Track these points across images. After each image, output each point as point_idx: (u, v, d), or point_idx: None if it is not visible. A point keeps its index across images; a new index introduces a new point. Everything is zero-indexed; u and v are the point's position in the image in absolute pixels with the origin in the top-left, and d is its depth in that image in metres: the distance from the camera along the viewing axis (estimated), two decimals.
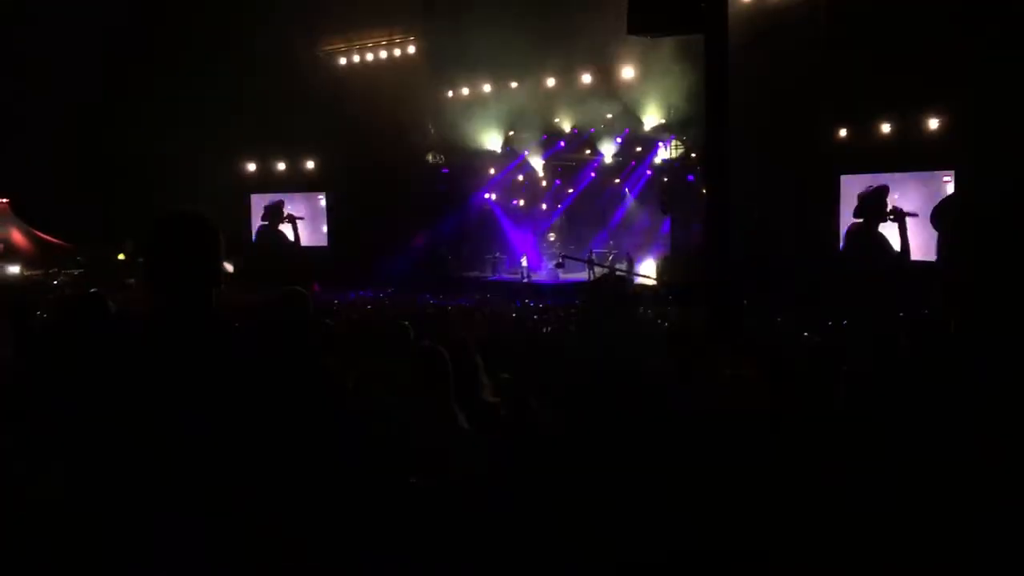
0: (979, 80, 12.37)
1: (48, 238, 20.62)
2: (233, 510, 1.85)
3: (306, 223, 17.64)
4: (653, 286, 15.81)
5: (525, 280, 18.96)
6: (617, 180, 20.73)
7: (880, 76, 13.54)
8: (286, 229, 16.08)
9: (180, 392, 1.94)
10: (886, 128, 14.57)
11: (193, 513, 1.85)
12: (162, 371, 1.99)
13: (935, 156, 13.79)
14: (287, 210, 16.33)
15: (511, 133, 20.20)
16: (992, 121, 12.45)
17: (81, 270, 18.70)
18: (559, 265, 18.45)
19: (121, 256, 18.42)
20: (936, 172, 13.79)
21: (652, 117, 17.92)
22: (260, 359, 2.08)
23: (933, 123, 14.02)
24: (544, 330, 7.89)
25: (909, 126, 14.32)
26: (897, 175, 13.58)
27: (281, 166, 21.44)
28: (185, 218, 2.15)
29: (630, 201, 20.80)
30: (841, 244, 14.43)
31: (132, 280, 15.80)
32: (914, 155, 13.97)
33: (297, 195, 19.90)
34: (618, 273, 15.78)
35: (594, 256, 18.01)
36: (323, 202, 21.06)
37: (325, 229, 20.99)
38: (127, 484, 1.82)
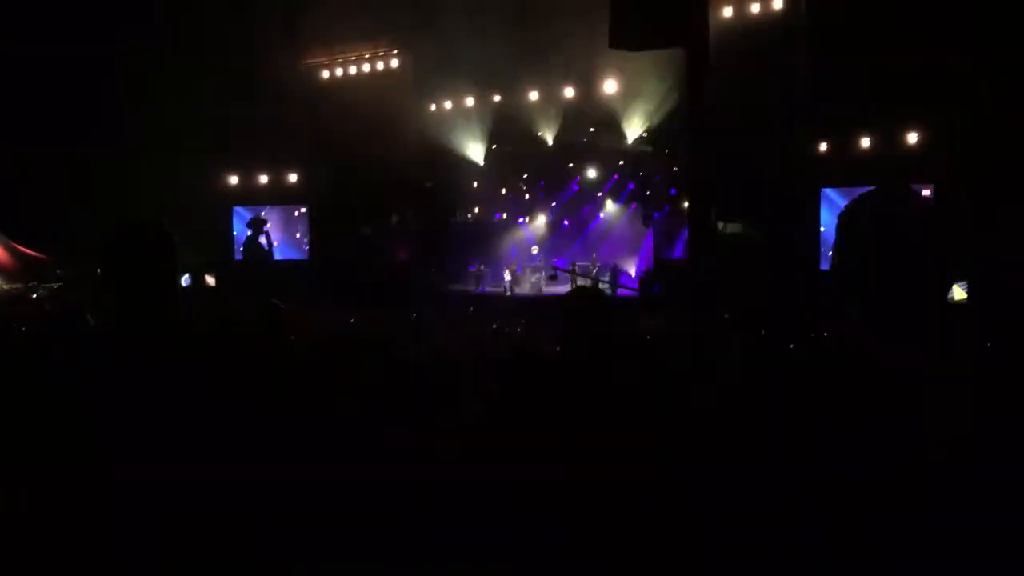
0: (957, 96, 12.53)
1: (27, 251, 20.43)
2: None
3: (286, 236, 17.78)
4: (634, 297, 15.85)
5: (508, 294, 18.97)
6: (600, 193, 20.79)
7: (860, 91, 13.69)
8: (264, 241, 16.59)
9: (123, 398, 1.97)
10: (866, 143, 14.74)
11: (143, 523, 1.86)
12: (109, 377, 2.02)
13: (914, 170, 13.96)
14: (267, 227, 16.83)
15: (494, 146, 20.25)
16: (969, 137, 12.62)
17: (61, 283, 18.52)
18: (552, 277, 18.53)
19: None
20: (915, 186, 13.93)
21: (634, 131, 18.03)
22: (208, 367, 2.10)
23: (912, 138, 14.19)
24: (529, 343, 7.90)
25: (888, 141, 14.48)
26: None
27: (263, 179, 21.34)
28: (138, 226, 2.16)
29: (613, 214, 20.86)
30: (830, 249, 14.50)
31: None
32: (893, 169, 14.12)
33: (278, 208, 19.82)
34: (600, 284, 15.83)
35: (577, 268, 18.06)
36: (305, 215, 20.98)
37: (300, 237, 20.87)
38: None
